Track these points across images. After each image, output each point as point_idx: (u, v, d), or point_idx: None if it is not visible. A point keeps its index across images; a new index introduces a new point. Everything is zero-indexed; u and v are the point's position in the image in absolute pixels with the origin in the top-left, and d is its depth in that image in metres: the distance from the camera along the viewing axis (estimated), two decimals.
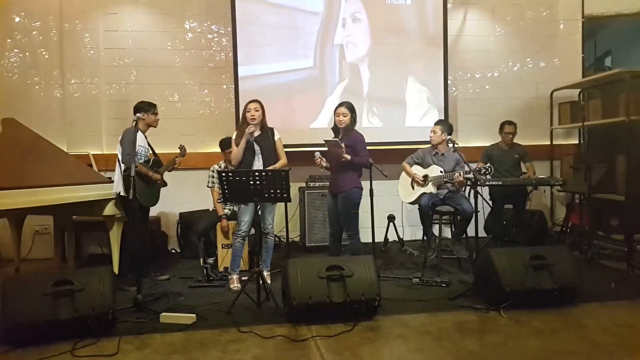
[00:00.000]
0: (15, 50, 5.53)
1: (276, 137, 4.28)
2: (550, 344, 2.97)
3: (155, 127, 4.50)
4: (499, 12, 6.34)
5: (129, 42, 5.76)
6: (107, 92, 5.72)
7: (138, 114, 4.26)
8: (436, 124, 4.82)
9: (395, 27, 5.93)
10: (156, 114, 4.45)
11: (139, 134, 4.21)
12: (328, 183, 4.63)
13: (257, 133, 4.23)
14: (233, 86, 5.75)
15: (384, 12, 5.92)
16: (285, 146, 4.38)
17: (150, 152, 4.48)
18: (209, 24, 5.90)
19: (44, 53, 5.59)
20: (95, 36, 5.69)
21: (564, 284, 3.54)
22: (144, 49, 5.78)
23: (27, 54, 5.56)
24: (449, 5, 6.04)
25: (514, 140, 5.54)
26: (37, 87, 5.59)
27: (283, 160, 4.25)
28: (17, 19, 5.52)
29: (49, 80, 5.60)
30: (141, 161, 4.27)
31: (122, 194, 4.22)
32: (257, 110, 4.18)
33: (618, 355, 2.82)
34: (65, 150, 5.13)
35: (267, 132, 4.25)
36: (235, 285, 4.15)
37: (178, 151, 4.62)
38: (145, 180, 4.31)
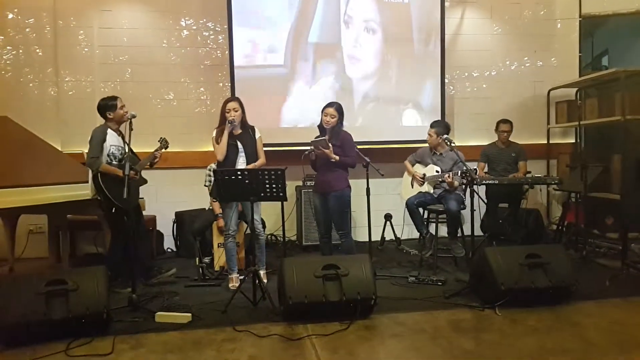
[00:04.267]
0: (9, 47, 5.49)
1: (257, 136, 4.25)
2: (545, 342, 2.97)
3: (125, 121, 3.95)
4: (497, 11, 6.33)
5: (124, 39, 5.72)
6: (102, 90, 5.67)
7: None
8: (431, 126, 4.83)
9: (392, 25, 5.91)
10: (123, 106, 4.14)
11: (112, 133, 4.09)
12: (313, 183, 4.61)
13: (238, 131, 4.21)
14: (229, 84, 5.73)
15: (381, 10, 5.90)
16: (282, 144, 4.36)
17: (126, 150, 4.00)
18: (205, 21, 5.87)
19: (37, 50, 5.55)
20: (90, 33, 5.66)
21: (559, 283, 3.54)
22: (139, 46, 5.75)
23: (20, 51, 5.52)
24: (446, 4, 6.02)
25: (511, 139, 5.54)
26: (31, 84, 5.55)
27: (262, 160, 4.23)
28: (10, 16, 5.48)
29: (43, 78, 5.56)
30: (116, 162, 4.06)
31: (94, 197, 4.07)
32: (236, 111, 4.13)
33: (612, 353, 2.83)
34: (59, 149, 5.11)
35: (248, 130, 4.24)
36: (234, 284, 4.13)
37: (159, 145, 4.39)
38: (119, 181, 3.87)
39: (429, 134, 4.80)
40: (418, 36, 5.96)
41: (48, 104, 5.58)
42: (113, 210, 3.98)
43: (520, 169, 5.43)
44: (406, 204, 4.69)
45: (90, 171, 4.11)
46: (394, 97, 5.96)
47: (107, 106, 4.13)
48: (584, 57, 6.45)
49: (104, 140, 4.01)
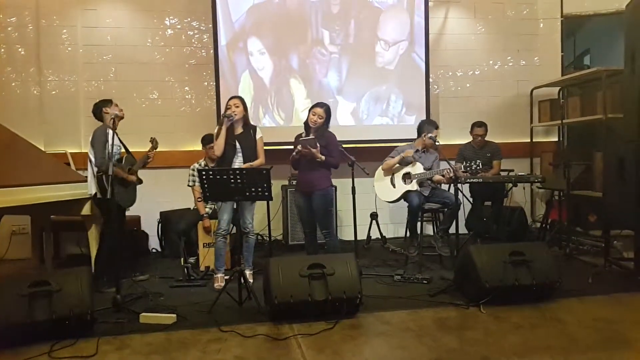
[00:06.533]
0: None
1: (258, 136, 4.24)
2: (529, 339, 3.00)
3: (122, 118, 4.31)
4: (480, 11, 6.38)
5: (107, 38, 5.67)
6: (85, 90, 5.63)
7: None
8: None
9: (378, 26, 5.93)
10: (117, 105, 4.29)
11: (111, 133, 4.07)
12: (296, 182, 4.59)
13: (239, 130, 4.20)
14: (214, 83, 5.70)
15: (366, 10, 5.91)
16: (267, 144, 4.36)
17: (122, 149, 4.35)
18: (189, 20, 5.84)
19: (20, 49, 5.48)
20: (73, 32, 5.60)
21: (543, 280, 3.58)
22: (123, 45, 5.70)
23: (2, 50, 5.44)
24: (430, 4, 6.05)
25: (491, 138, 5.57)
26: (13, 84, 5.47)
27: (261, 160, 4.22)
28: None
29: (25, 77, 5.49)
30: (114, 161, 4.07)
31: (98, 195, 4.11)
32: (237, 107, 4.15)
33: (595, 349, 2.86)
34: (42, 148, 5.05)
35: (249, 130, 4.22)
36: (219, 284, 4.12)
37: (150, 145, 4.50)
38: (121, 182, 4.18)
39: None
40: (403, 36, 5.98)
41: (31, 104, 5.51)
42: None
43: (493, 167, 5.47)
44: (412, 206, 4.55)
45: (89, 169, 4.15)
46: (378, 96, 5.97)
47: (102, 104, 4.23)
48: (566, 57, 6.52)
49: (106, 140, 4.00)
